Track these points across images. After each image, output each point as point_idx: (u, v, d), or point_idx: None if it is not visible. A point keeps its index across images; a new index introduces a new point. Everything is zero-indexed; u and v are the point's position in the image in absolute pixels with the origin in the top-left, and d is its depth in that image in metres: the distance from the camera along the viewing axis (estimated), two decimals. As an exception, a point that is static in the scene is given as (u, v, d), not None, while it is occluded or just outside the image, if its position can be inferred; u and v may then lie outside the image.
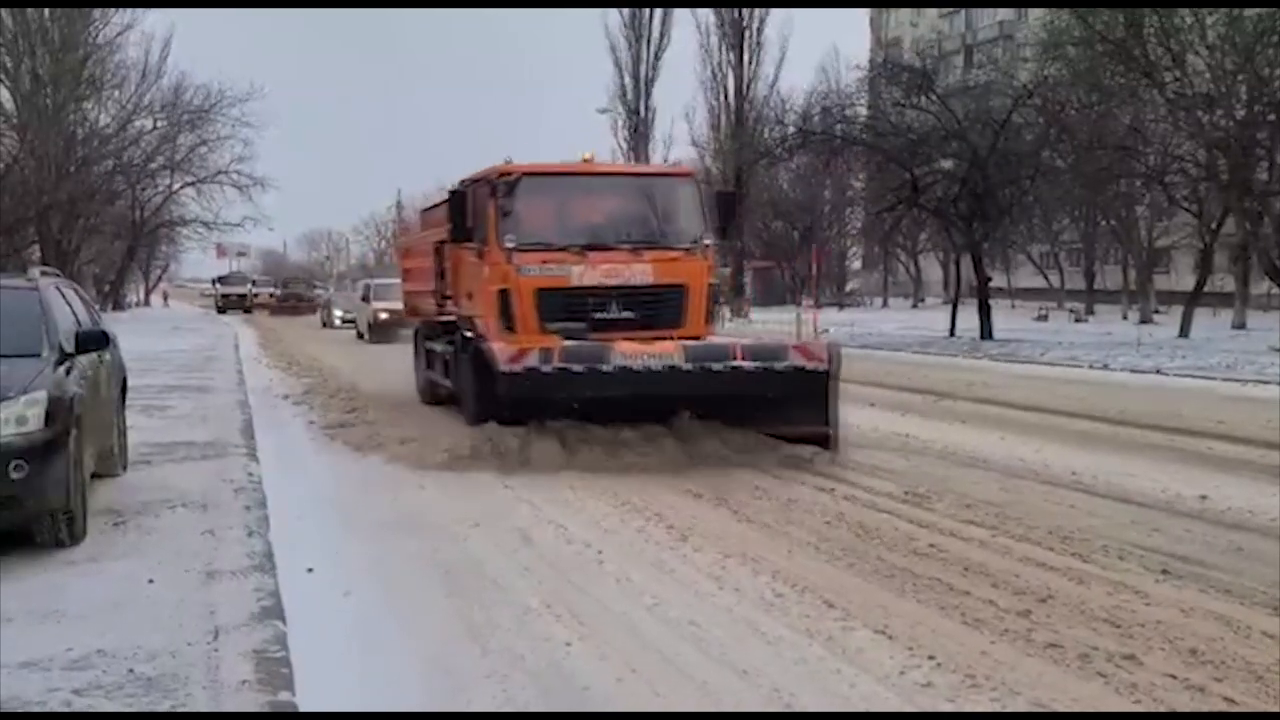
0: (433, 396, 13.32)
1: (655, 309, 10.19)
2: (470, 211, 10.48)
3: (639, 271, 10.16)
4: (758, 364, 9.27)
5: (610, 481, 8.35)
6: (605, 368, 8.93)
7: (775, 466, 8.93)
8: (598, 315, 10.01)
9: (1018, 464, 9.20)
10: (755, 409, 9.51)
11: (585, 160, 11.45)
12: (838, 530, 6.88)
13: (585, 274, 10.03)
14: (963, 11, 60.96)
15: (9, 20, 35.34)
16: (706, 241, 10.59)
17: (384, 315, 26.66)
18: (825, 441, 9.34)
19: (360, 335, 29.18)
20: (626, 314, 10.06)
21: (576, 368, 8.90)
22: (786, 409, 9.47)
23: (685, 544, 6.57)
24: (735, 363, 9.24)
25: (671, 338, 9.81)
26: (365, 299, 29.29)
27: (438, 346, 12.69)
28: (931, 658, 4.57)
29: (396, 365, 17.42)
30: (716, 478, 8.48)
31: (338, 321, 35.34)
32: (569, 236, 10.30)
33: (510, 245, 9.93)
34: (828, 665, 4.55)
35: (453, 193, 10.92)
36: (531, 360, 8.95)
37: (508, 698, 4.24)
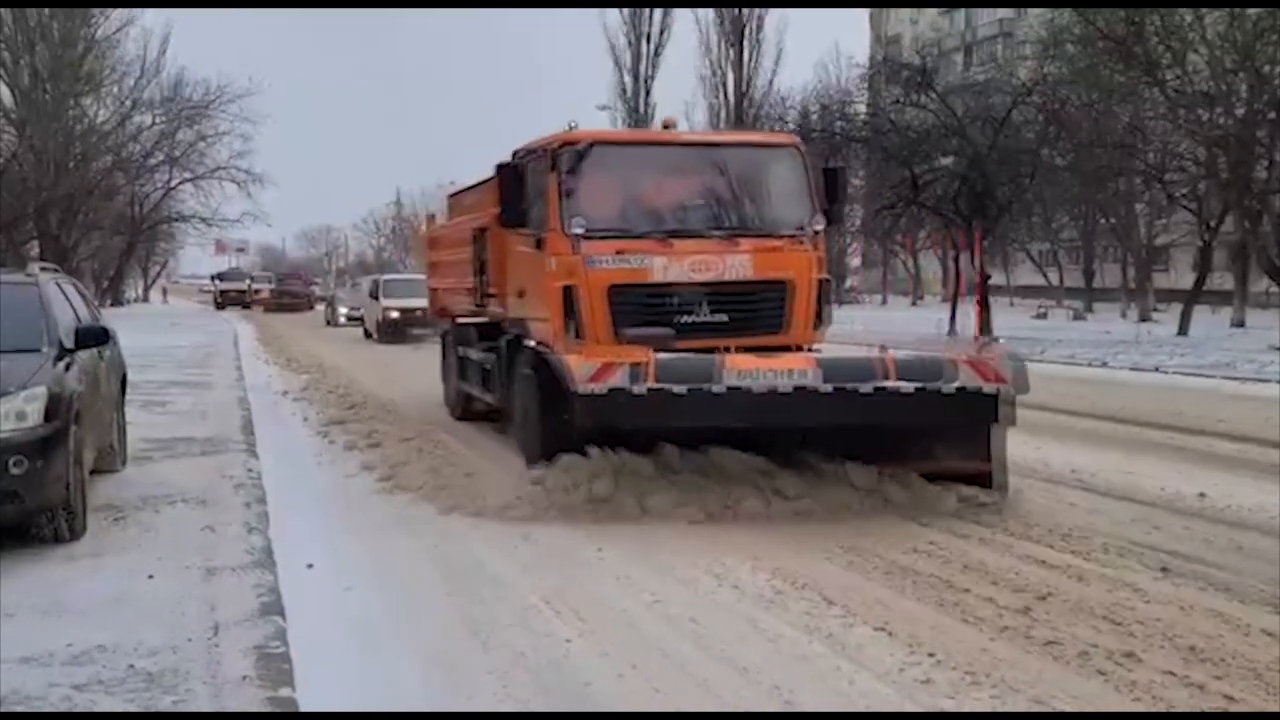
0: (465, 410, 11.81)
1: (752, 311, 8.46)
2: (524, 190, 8.67)
3: (735, 265, 8.39)
4: (917, 384, 7.18)
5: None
6: (714, 389, 6.97)
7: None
8: (684, 319, 8.26)
9: (1018, 461, 9.19)
10: (893, 440, 7.59)
11: (666, 127, 9.74)
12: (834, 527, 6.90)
13: (669, 268, 8.26)
14: (962, 9, 60.92)
15: (8, 16, 35.33)
16: (816, 227, 8.70)
17: (394, 314, 25.97)
18: (984, 480, 7.47)
19: (368, 334, 28.25)
20: (718, 317, 8.33)
21: (677, 389, 6.93)
22: (934, 439, 7.67)
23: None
24: (887, 383, 7.18)
25: (777, 348, 8.21)
26: (374, 296, 28.14)
27: (474, 354, 11.00)
28: (931, 655, 4.57)
29: (411, 367, 17.39)
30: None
31: (342, 319, 34.52)
32: (649, 221, 8.58)
33: (578, 232, 8.07)
34: (828, 663, 4.55)
35: (502, 167, 8.85)
36: (618, 379, 6.96)
37: (508, 694, 4.24)
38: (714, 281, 8.34)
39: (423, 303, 25.20)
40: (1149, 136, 26.09)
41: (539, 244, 8.56)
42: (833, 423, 7.28)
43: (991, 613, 5.13)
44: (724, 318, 8.36)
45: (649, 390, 6.93)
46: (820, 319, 8.72)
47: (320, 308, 50.80)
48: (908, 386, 7.17)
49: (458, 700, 4.21)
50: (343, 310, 35.34)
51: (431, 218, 13.55)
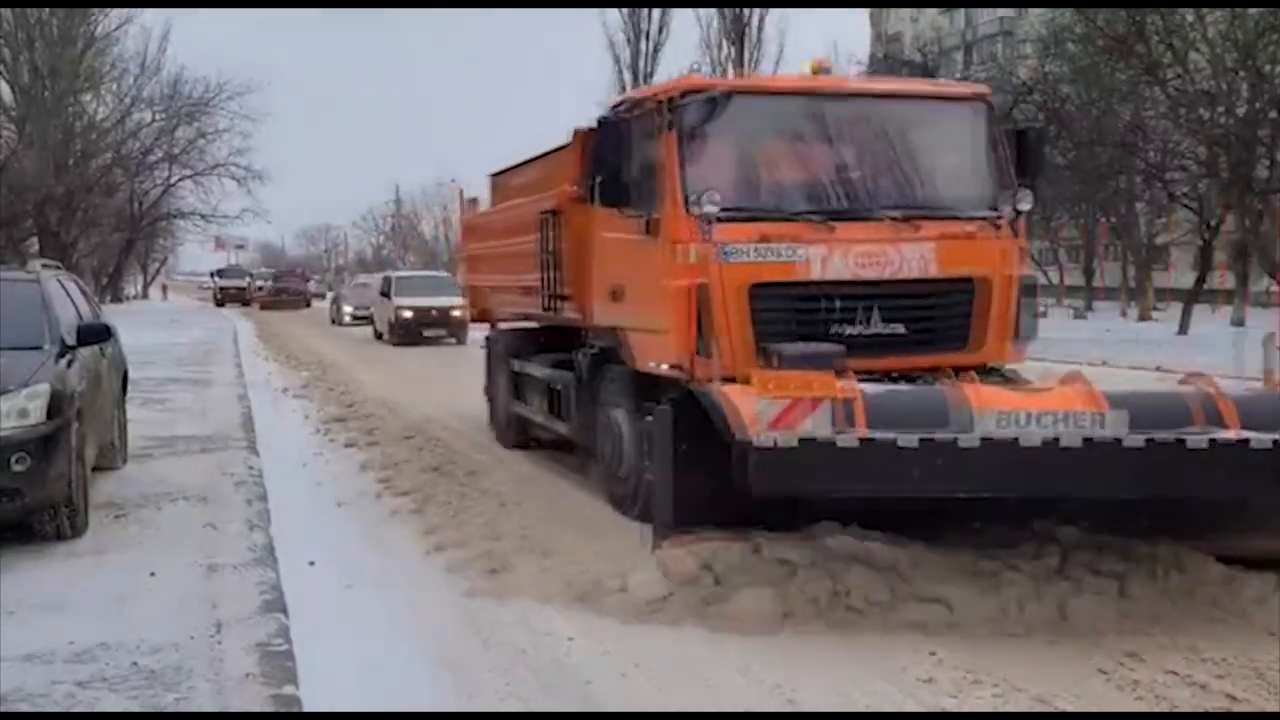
0: (520, 439, 9.86)
1: (934, 319, 6.54)
2: (627, 157, 6.63)
3: (913, 256, 6.39)
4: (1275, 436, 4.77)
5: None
6: (962, 441, 4.75)
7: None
8: (847, 330, 6.28)
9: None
10: (1183, 512, 5.28)
11: (816, 71, 7.15)
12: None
13: (829, 260, 6.27)
14: (963, 8, 60.87)
15: (8, 13, 35.30)
16: (1020, 205, 6.65)
17: (407, 314, 24.60)
18: None
19: (379, 335, 26.66)
20: (891, 328, 6.38)
21: (904, 440, 4.68)
22: (1239, 511, 5.34)
23: None
24: (1223, 434, 4.89)
25: (956, 368, 6.26)
26: (385, 295, 26.28)
27: (537, 370, 8.98)
28: (933, 653, 4.57)
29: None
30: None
31: (347, 318, 33.55)
32: (801, 197, 6.53)
33: (709, 210, 6.02)
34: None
35: (600, 124, 6.86)
36: (815, 423, 4.85)
37: (510, 691, 4.24)
38: (886, 280, 6.38)
39: (439, 301, 24.56)
40: (1150, 135, 26.10)
41: (649, 228, 6.51)
42: (1141, 493, 4.98)
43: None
44: (898, 328, 6.41)
45: (862, 442, 4.73)
46: (1020, 330, 6.72)
47: (320, 305, 50.80)
48: (1264, 438, 4.75)
49: (460, 698, 4.21)
50: (348, 309, 34.29)
51: (473, 202, 11.57)
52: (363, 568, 5.96)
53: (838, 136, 6.75)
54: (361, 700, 4.14)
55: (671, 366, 6.37)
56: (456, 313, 23.85)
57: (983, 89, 7.72)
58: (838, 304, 6.31)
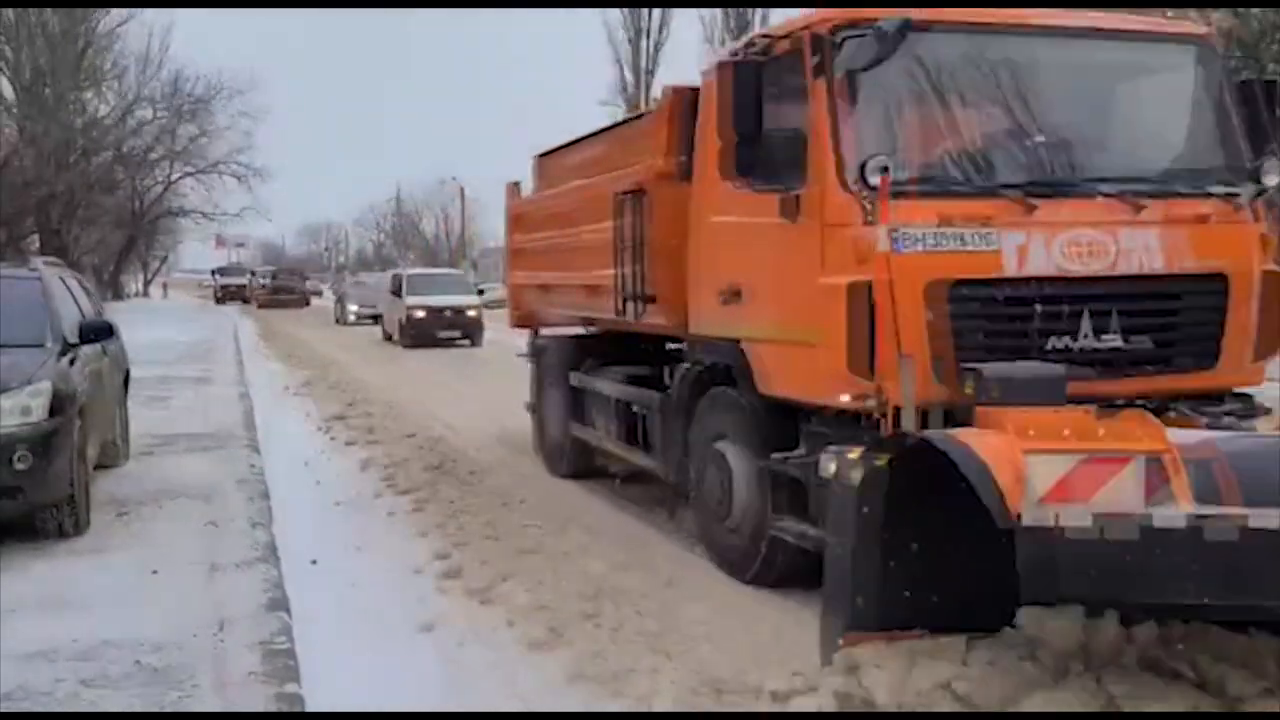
0: (579, 467, 8.44)
1: (1177, 327, 5.09)
2: (759, 113, 4.98)
3: (1139, 245, 4.94)
4: None
5: None
6: None
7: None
8: (1070, 344, 4.84)
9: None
10: None
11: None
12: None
13: (1030, 249, 4.82)
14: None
15: (9, 11, 35.31)
16: (1269, 179, 5.21)
17: (419, 314, 23.25)
18: None
19: (388, 336, 25.45)
20: (1115, 341, 4.89)
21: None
22: None
23: None
24: None
25: (1194, 394, 5.09)
26: (396, 293, 24.81)
27: (610, 387, 7.56)
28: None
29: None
30: None
31: (352, 317, 32.74)
32: (996, 165, 5.03)
33: (875, 182, 4.58)
34: None
35: (722, 70, 5.22)
36: (1131, 493, 3.34)
37: (513, 690, 4.23)
38: (1108, 276, 4.91)
39: (453, 300, 23.67)
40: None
41: (788, 207, 5.00)
42: None
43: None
44: (1134, 341, 4.92)
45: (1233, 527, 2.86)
46: (1264, 344, 5.21)
47: (319, 303, 50.72)
48: None
49: (464, 694, 4.19)
50: (353, 308, 33.22)
51: (515, 186, 9.99)
52: (365, 567, 5.95)
53: (1033, 86, 5.09)
54: (366, 699, 4.11)
55: (854, 397, 4.68)
56: (471, 313, 23.49)
57: (1207, 30, 6.08)
58: (1052, 308, 4.81)
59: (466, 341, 23.36)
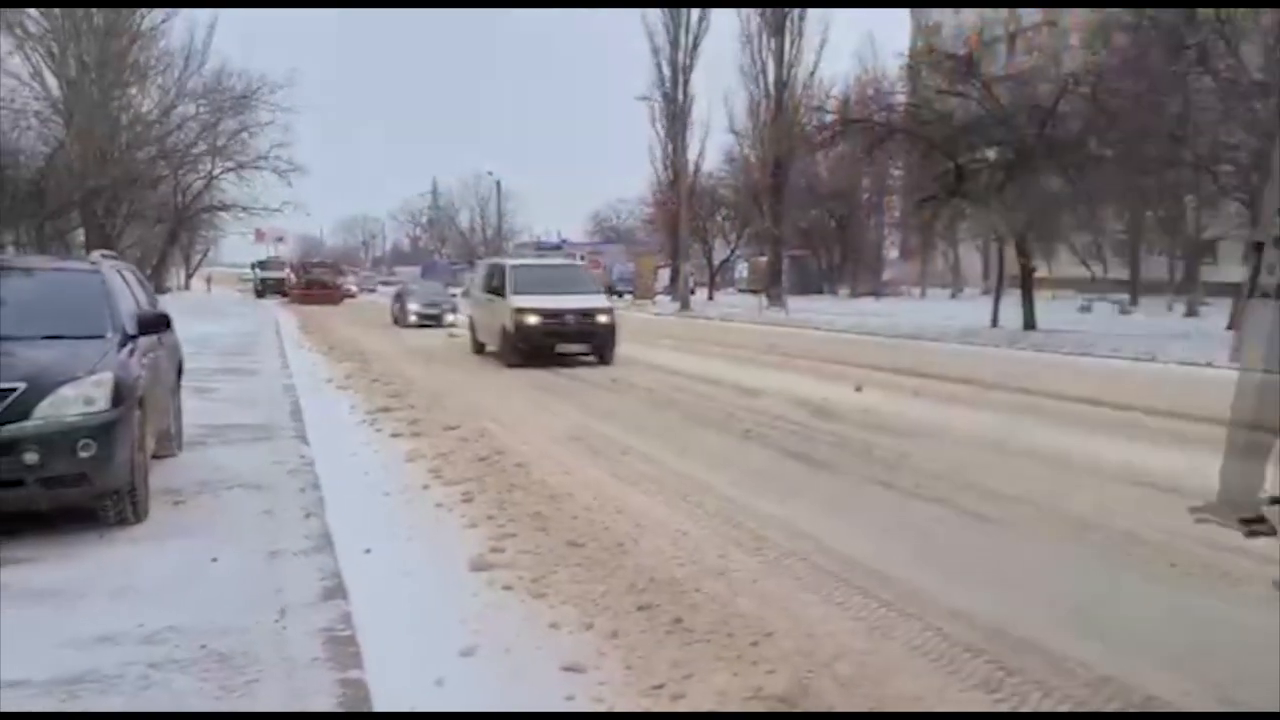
0: None
1: None
2: None
3: None
4: None
5: None
6: None
7: None
8: None
9: (1070, 457, 9.11)
10: None
11: None
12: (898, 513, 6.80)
13: None
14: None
15: (56, 9, 35.83)
16: None
17: (532, 320, 17.19)
18: None
19: (480, 348, 19.67)
20: None
21: None
22: None
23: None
24: None
25: None
26: (495, 291, 18.58)
27: None
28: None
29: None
30: None
31: (413, 318, 28.96)
32: None
33: None
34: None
35: None
36: None
37: (571, 678, 4.25)
38: None
39: (578, 302, 17.58)
40: (1200, 127, 25.66)
41: None
42: None
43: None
44: None
45: None
46: None
47: (361, 300, 50.91)
48: None
49: (519, 684, 4.22)
50: (414, 307, 29.35)
51: None
52: (418, 555, 6.00)
53: None
54: (426, 685, 4.16)
55: None
56: (603, 319, 17.67)
57: None
58: None
59: (594, 359, 17.71)
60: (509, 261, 19.83)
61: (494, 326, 18.42)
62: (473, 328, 20.75)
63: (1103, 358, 19.41)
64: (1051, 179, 25.78)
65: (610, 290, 37.74)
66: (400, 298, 31.43)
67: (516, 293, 17.72)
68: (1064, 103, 25.18)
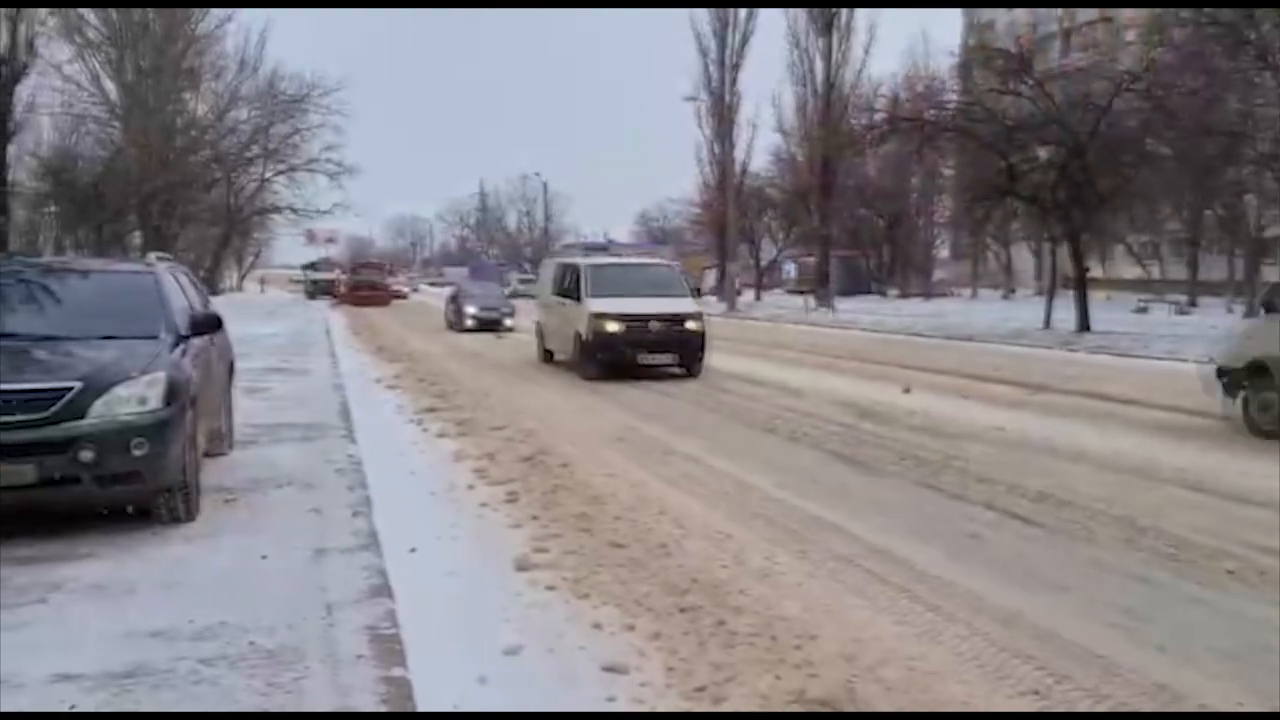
0: None
1: None
2: None
3: None
4: None
5: None
6: None
7: None
8: None
9: (1122, 460, 8.94)
10: None
11: None
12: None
13: None
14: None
15: (114, 13, 36.68)
16: None
17: (613, 326, 15.37)
18: None
19: (548, 356, 18.04)
20: None
21: None
22: None
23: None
24: None
25: None
26: (568, 294, 16.72)
27: None
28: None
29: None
30: None
31: (469, 322, 27.28)
32: None
33: None
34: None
35: None
36: None
37: (613, 679, 4.25)
38: None
39: (662, 306, 15.66)
40: (1261, 124, 25.07)
41: None
42: None
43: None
44: None
45: None
46: None
47: (406, 301, 51.26)
48: None
49: (560, 684, 4.23)
50: (471, 310, 27.74)
51: None
52: (462, 555, 6.04)
53: None
54: (468, 684, 4.18)
55: None
56: (692, 325, 15.76)
57: None
58: None
59: (681, 370, 15.81)
60: (585, 260, 17.59)
61: (566, 333, 16.67)
62: (540, 334, 18.66)
63: (1158, 360, 19.02)
64: (1107, 178, 25.32)
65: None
66: (455, 300, 29.48)
67: (593, 295, 15.84)
68: (1120, 100, 24.72)
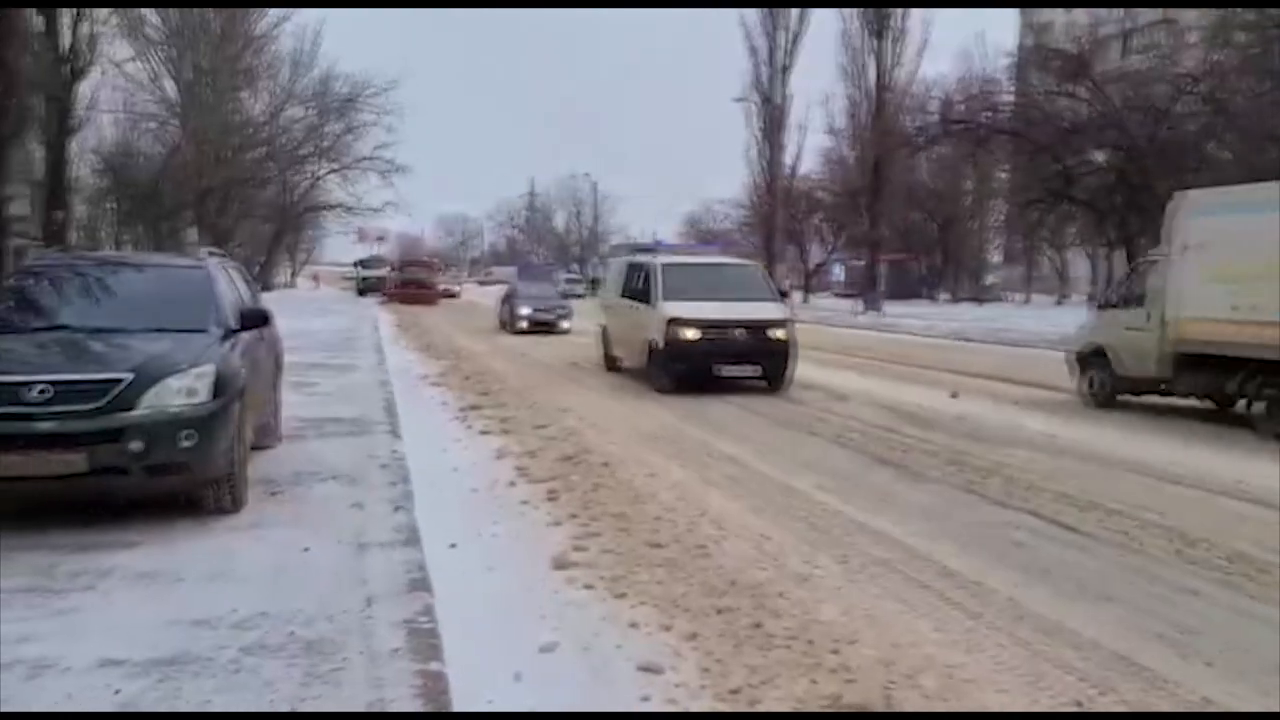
0: None
1: None
2: None
3: None
4: None
5: None
6: None
7: None
8: None
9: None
10: None
11: None
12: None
13: None
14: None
15: (174, 13, 37.40)
16: None
17: (690, 334, 13.78)
18: None
19: (613, 364, 16.68)
20: None
21: None
22: None
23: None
24: None
25: None
26: (640, 296, 15.15)
27: None
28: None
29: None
30: None
31: (523, 324, 26.29)
32: None
33: None
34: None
35: None
36: None
37: (648, 679, 4.24)
38: None
39: (746, 312, 13.99)
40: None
41: None
42: None
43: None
44: None
45: None
46: None
47: (457, 300, 51.54)
48: None
49: (595, 682, 4.23)
50: (525, 311, 26.75)
51: None
52: (502, 551, 6.07)
53: None
54: (504, 680, 4.20)
55: None
56: (778, 333, 14.10)
57: None
58: None
59: (763, 382, 14.19)
60: (657, 259, 15.64)
61: (635, 340, 15.15)
62: (605, 339, 17.13)
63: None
64: (1165, 182, 24.83)
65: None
66: (509, 300, 28.15)
67: (668, 298, 14.27)
68: (1180, 103, 24.24)
